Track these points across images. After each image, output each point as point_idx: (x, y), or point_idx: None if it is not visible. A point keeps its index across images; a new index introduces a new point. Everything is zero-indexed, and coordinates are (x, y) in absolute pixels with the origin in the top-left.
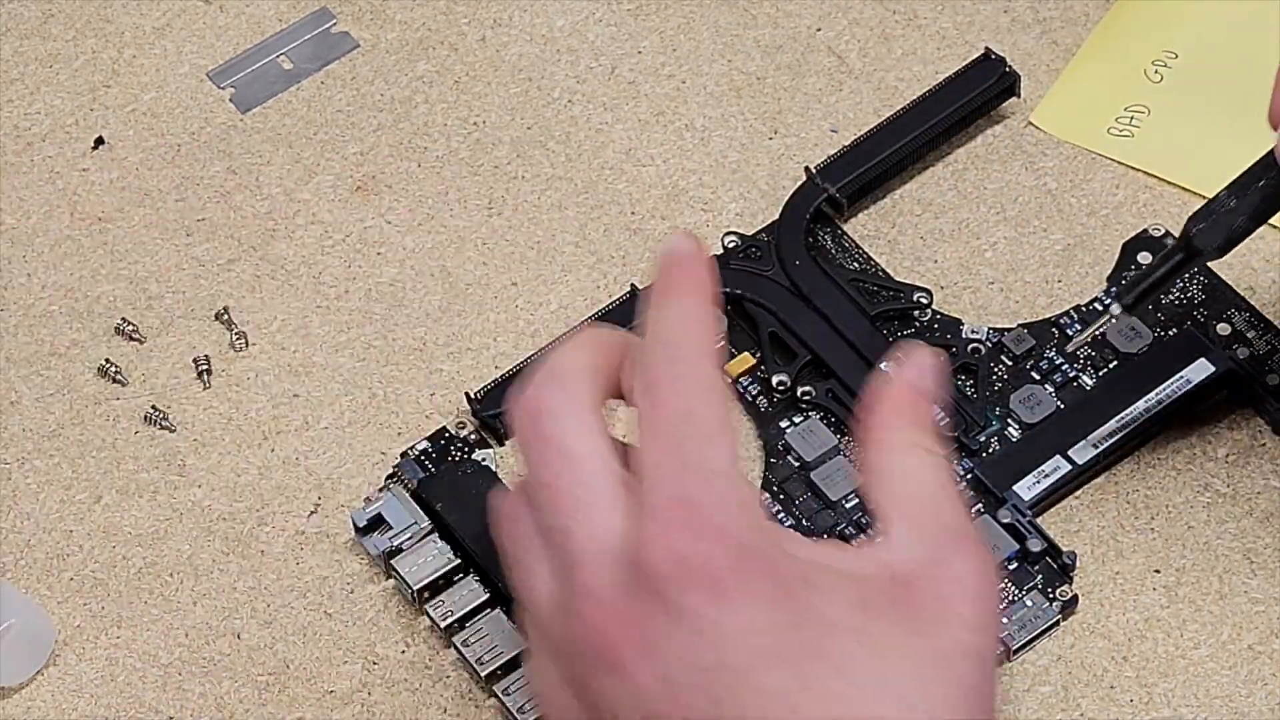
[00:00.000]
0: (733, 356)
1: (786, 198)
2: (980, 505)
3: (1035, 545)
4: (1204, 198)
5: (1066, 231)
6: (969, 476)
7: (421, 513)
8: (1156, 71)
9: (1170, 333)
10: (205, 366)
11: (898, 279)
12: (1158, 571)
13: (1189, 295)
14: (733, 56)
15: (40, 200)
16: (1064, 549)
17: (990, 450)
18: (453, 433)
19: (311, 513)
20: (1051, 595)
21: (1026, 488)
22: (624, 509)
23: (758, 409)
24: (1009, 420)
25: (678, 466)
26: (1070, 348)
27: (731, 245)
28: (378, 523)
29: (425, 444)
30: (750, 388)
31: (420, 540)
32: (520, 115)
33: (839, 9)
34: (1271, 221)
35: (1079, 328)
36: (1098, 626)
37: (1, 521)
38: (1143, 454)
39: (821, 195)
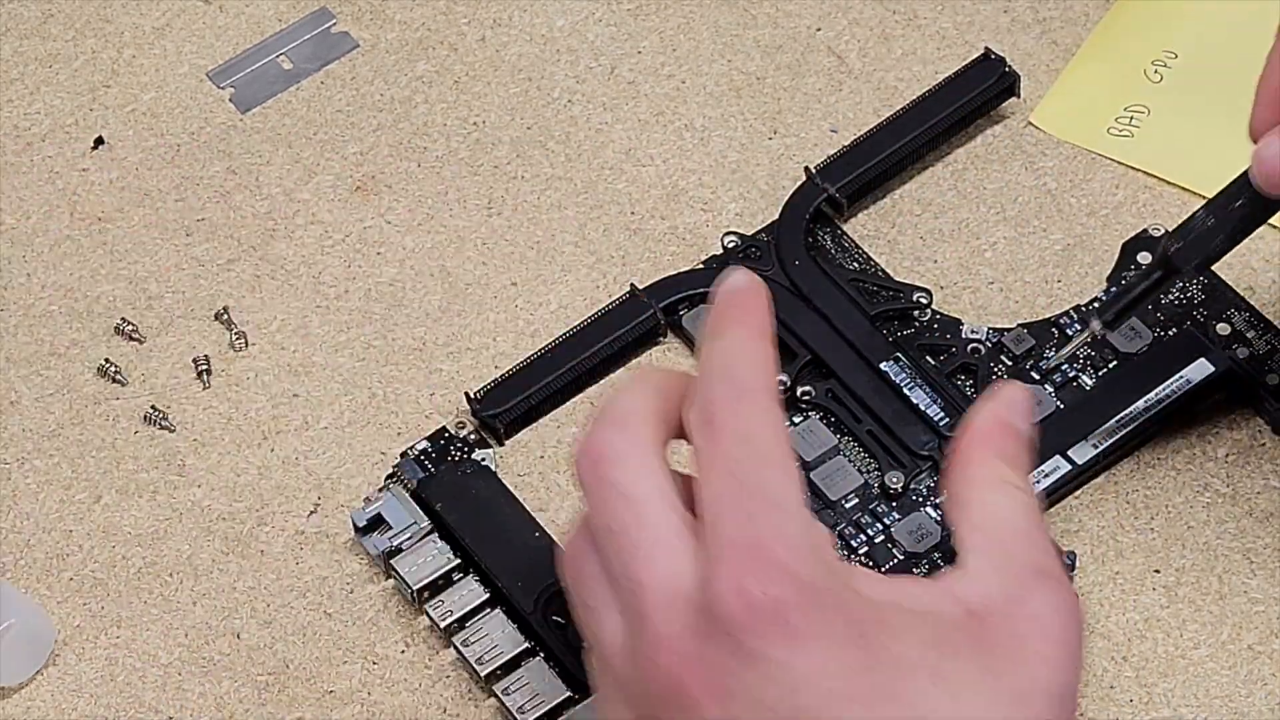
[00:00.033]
0: None
1: (786, 198)
2: None
3: None
4: (1204, 198)
5: (1066, 231)
6: None
7: (421, 513)
8: (1156, 71)
9: (1170, 333)
10: (205, 366)
11: (898, 279)
12: (1157, 571)
13: (1189, 295)
14: (733, 56)
15: (40, 200)
16: (1064, 549)
17: None
18: (452, 433)
19: (311, 513)
20: None
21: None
22: (690, 552)
23: None
24: None
25: (743, 505)
26: (1053, 363)
27: (731, 245)
28: (378, 523)
29: (425, 444)
30: None
31: (420, 540)
32: (520, 115)
33: (839, 9)
34: (1272, 221)
35: (1078, 328)
36: (1097, 626)
37: (1, 521)
38: (1143, 454)
39: (821, 195)
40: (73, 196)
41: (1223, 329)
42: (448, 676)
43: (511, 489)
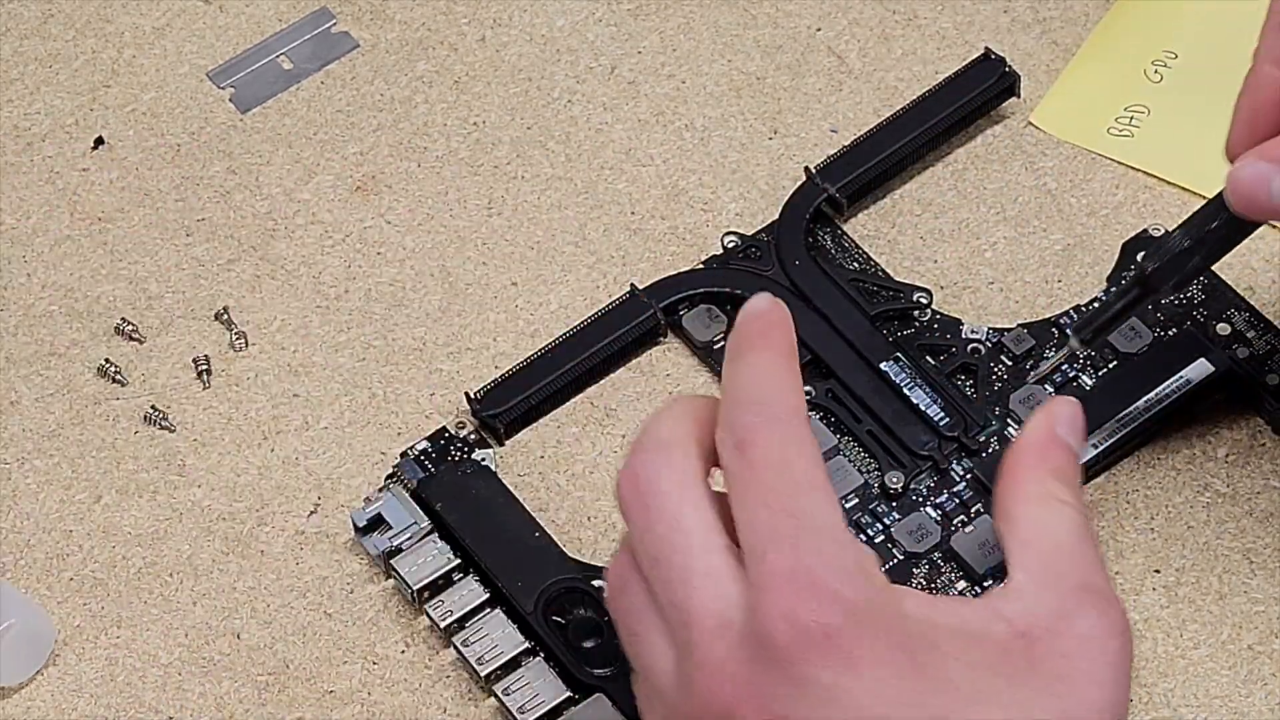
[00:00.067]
0: None
1: (786, 198)
2: (980, 505)
3: None
4: (1204, 197)
5: (1066, 231)
6: (969, 476)
7: (421, 513)
8: (1156, 71)
9: (1170, 333)
10: (205, 366)
11: (898, 279)
12: (1158, 571)
13: (1189, 295)
14: (733, 56)
15: (40, 200)
16: None
17: (990, 450)
18: (452, 433)
19: (311, 513)
20: None
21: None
22: (736, 579)
23: None
24: (1009, 420)
25: (787, 533)
26: (1031, 379)
27: (731, 245)
28: (378, 523)
29: (425, 444)
30: None
31: (420, 540)
32: (520, 115)
33: (839, 9)
34: (1272, 222)
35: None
36: None
37: (1, 521)
38: (1143, 454)
39: (821, 195)
40: (73, 196)
41: (1223, 329)
42: (448, 676)
43: (511, 489)
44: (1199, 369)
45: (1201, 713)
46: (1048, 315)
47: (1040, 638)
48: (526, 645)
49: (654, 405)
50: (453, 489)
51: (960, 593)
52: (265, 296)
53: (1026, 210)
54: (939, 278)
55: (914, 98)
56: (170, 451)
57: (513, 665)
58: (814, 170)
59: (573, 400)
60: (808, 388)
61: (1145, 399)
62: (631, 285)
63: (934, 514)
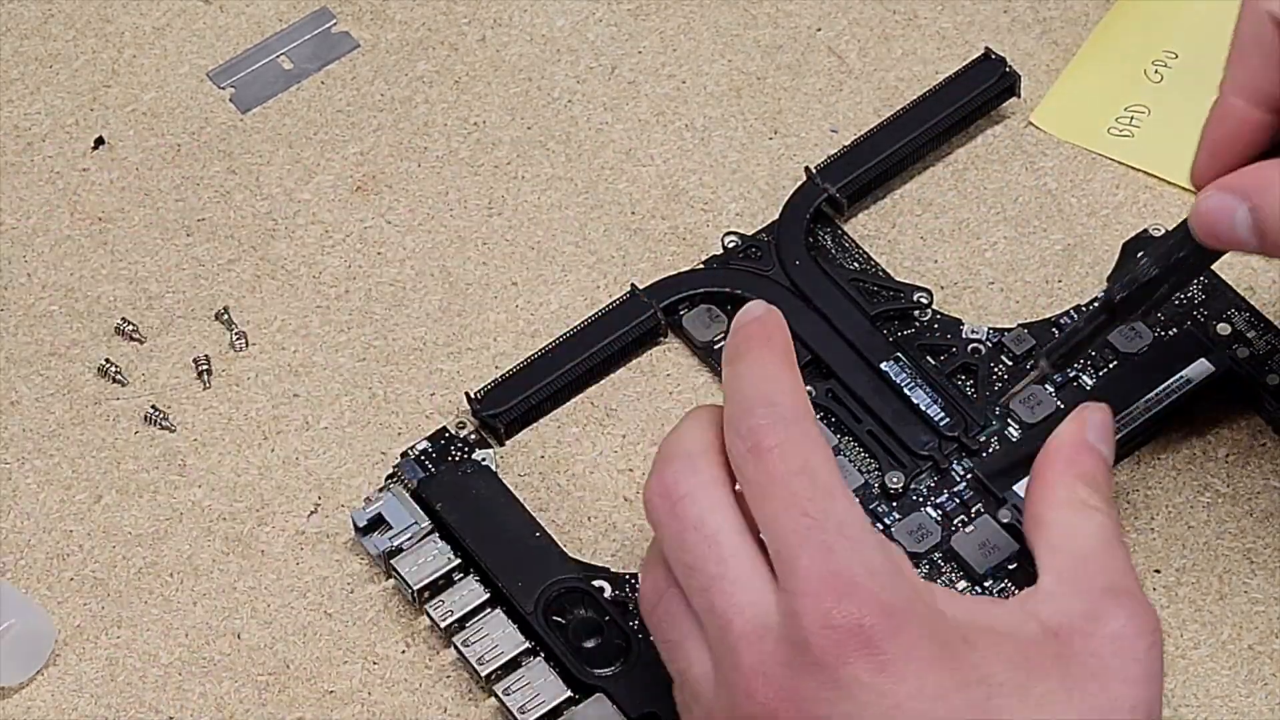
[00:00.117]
0: None
1: (786, 198)
2: (980, 505)
3: None
4: None
5: (1066, 231)
6: (969, 476)
7: (421, 513)
8: (1156, 71)
9: (1170, 333)
10: (205, 366)
11: (898, 279)
12: (1158, 571)
13: (1189, 295)
14: (733, 56)
15: (40, 200)
16: None
17: (990, 450)
18: (453, 433)
19: (311, 513)
20: None
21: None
22: (770, 583)
23: None
24: (1009, 420)
25: (817, 539)
26: (1003, 400)
27: (731, 245)
28: (378, 523)
29: (425, 444)
30: None
31: (420, 540)
32: (520, 115)
33: (839, 9)
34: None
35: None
36: None
37: (1, 521)
38: (1143, 454)
39: (821, 195)
40: (73, 196)
41: (1223, 329)
42: (448, 676)
43: (511, 489)
44: (1199, 369)
45: (1201, 713)
46: (1048, 315)
47: (1071, 638)
48: (527, 645)
49: (654, 405)
50: (453, 489)
51: (960, 593)
52: (265, 296)
53: (1026, 210)
54: (939, 278)
55: (914, 98)
56: (170, 451)
57: (513, 665)
58: (814, 170)
59: (573, 400)
60: (808, 388)
61: (1145, 399)
62: (632, 285)
63: (934, 514)
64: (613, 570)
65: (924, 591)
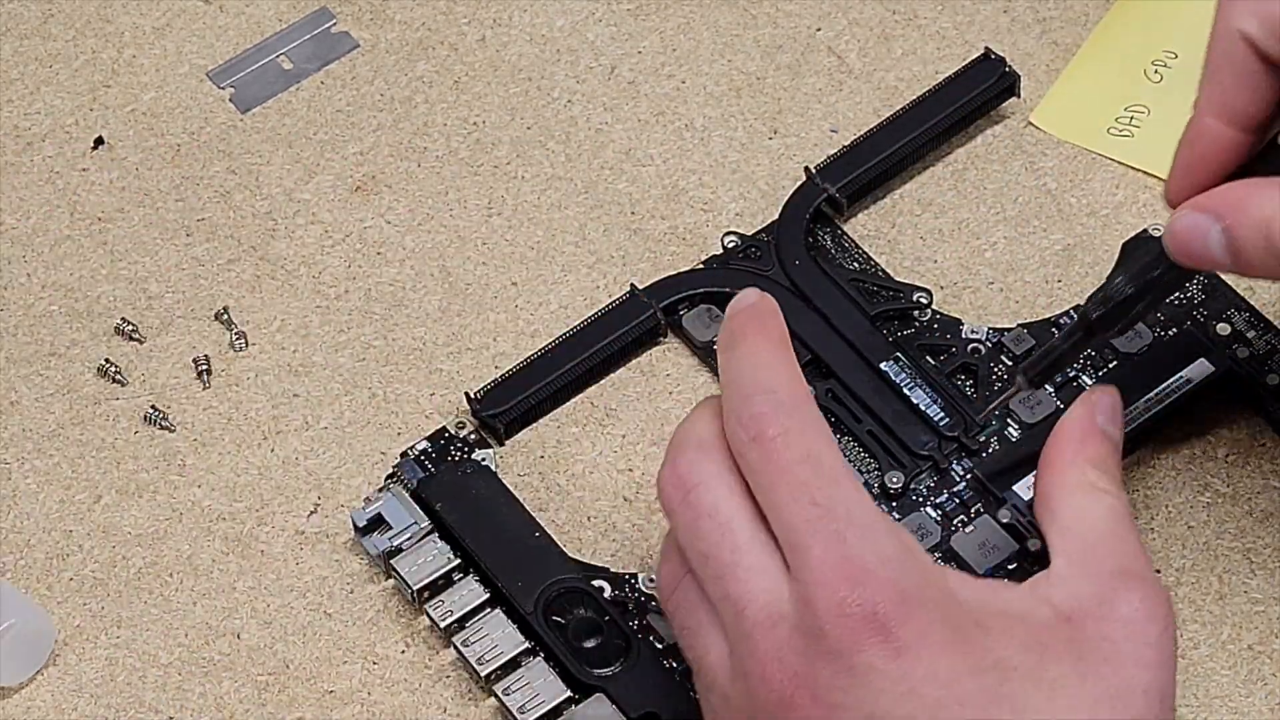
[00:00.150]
0: None
1: (786, 198)
2: (980, 505)
3: (1035, 545)
4: None
5: (1066, 231)
6: (969, 476)
7: (421, 513)
8: (1156, 71)
9: (1170, 333)
10: (205, 366)
11: (898, 279)
12: (1158, 571)
13: (1189, 295)
14: (733, 56)
15: (40, 200)
16: None
17: (990, 450)
18: (453, 433)
19: (311, 513)
20: None
21: (1026, 488)
22: (783, 570)
23: None
24: (1009, 420)
25: (827, 527)
26: (980, 418)
27: (731, 245)
28: (378, 523)
29: (425, 444)
30: None
31: (420, 540)
32: (520, 115)
33: (839, 9)
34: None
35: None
36: None
37: (1, 521)
38: (1143, 454)
39: (821, 195)
40: (73, 196)
41: (1223, 329)
42: (448, 676)
43: (511, 489)
44: (1199, 369)
45: (1201, 713)
46: (1048, 315)
47: (1084, 622)
48: (526, 645)
49: (654, 405)
50: (453, 489)
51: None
52: (265, 296)
53: (1026, 210)
54: (939, 278)
55: (914, 98)
56: (170, 451)
57: (513, 665)
58: (814, 170)
59: (573, 400)
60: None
61: (1145, 399)
62: (631, 285)
63: (934, 514)
64: (613, 570)
65: (936, 574)
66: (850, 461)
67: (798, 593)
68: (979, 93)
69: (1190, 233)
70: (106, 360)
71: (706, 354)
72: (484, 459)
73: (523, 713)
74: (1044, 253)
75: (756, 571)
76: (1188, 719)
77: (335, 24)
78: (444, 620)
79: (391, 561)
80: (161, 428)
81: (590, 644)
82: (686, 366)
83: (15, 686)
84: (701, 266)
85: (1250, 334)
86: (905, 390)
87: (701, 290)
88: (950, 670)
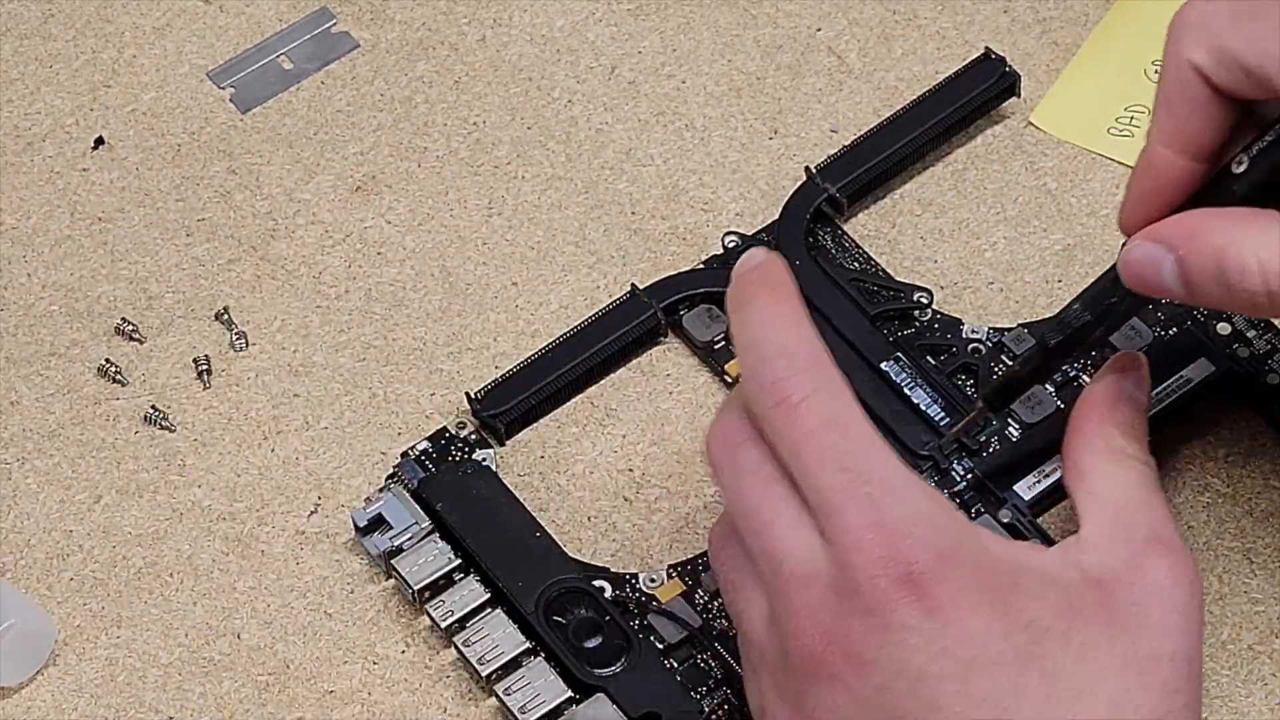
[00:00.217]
0: (733, 356)
1: (786, 198)
2: (981, 505)
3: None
4: None
5: (1066, 231)
6: (969, 476)
7: (421, 513)
8: (1156, 72)
9: (1170, 333)
10: (205, 366)
11: (898, 279)
12: None
13: None
14: (733, 56)
15: (40, 200)
16: None
17: (990, 450)
18: (453, 433)
19: (311, 513)
20: None
21: (1026, 488)
22: (815, 531)
23: None
24: (1009, 420)
25: (859, 490)
26: (943, 442)
27: (731, 245)
28: (378, 523)
29: (425, 444)
30: None
31: (420, 540)
32: (520, 115)
33: (839, 9)
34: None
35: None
36: None
37: (1, 521)
38: None
39: (821, 195)
40: (73, 196)
41: (1223, 329)
42: (448, 676)
43: (512, 489)
44: (1199, 369)
45: (1201, 712)
46: (1048, 315)
47: (1113, 587)
48: (527, 645)
49: (654, 405)
50: (453, 489)
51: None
52: (265, 296)
53: (1026, 210)
54: (939, 278)
55: (914, 98)
56: (170, 451)
57: (513, 665)
58: (814, 170)
59: (573, 400)
60: None
61: None
62: (632, 285)
63: None
64: (613, 570)
65: (971, 533)
66: None
67: (833, 555)
68: (979, 93)
69: (1144, 263)
70: (107, 360)
71: (707, 354)
72: (484, 459)
73: (524, 713)
74: (1044, 253)
75: (795, 528)
76: None
77: (335, 24)
78: (445, 620)
79: (392, 561)
80: (162, 428)
81: (591, 644)
82: (687, 366)
83: (15, 686)
84: (702, 266)
85: (1250, 334)
86: (906, 390)
87: (702, 290)
88: (984, 631)
